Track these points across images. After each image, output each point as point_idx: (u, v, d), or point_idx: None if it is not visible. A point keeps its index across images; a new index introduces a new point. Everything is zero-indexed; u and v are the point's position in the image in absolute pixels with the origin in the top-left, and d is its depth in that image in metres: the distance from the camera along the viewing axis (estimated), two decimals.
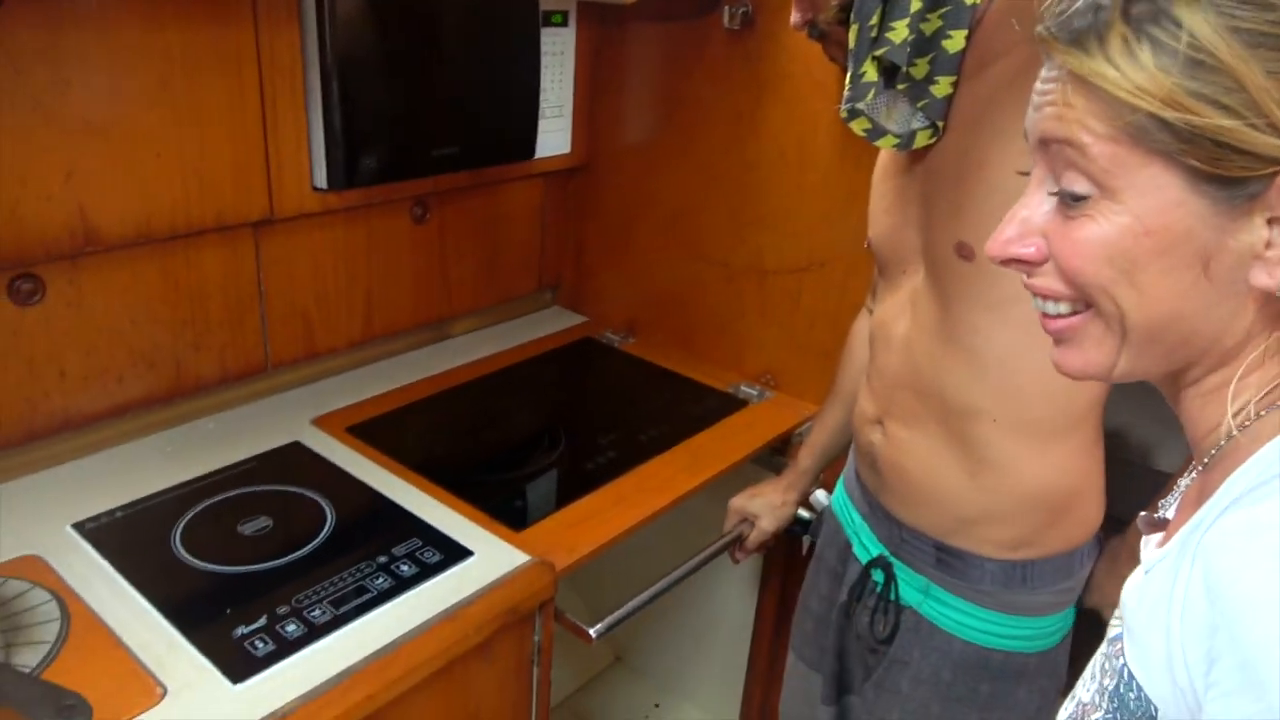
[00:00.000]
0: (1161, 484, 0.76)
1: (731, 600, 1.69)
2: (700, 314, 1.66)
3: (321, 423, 1.38)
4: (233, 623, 0.96)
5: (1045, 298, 0.57)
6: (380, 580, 1.03)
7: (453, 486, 1.23)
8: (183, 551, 1.07)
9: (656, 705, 1.91)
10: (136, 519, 1.13)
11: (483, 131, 1.47)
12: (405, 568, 1.06)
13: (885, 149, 1.06)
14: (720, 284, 1.61)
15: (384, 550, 1.08)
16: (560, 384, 1.67)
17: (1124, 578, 0.63)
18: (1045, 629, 1.02)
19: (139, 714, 0.84)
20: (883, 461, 1.07)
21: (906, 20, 0.89)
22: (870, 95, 0.93)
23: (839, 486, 1.24)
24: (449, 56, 1.37)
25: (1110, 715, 0.57)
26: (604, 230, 1.78)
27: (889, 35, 0.90)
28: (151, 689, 0.87)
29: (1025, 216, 0.56)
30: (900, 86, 0.94)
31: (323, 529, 1.13)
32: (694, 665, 1.85)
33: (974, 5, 0.90)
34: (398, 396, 1.48)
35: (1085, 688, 0.63)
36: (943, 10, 0.90)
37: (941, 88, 0.93)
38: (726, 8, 1.45)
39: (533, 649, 1.11)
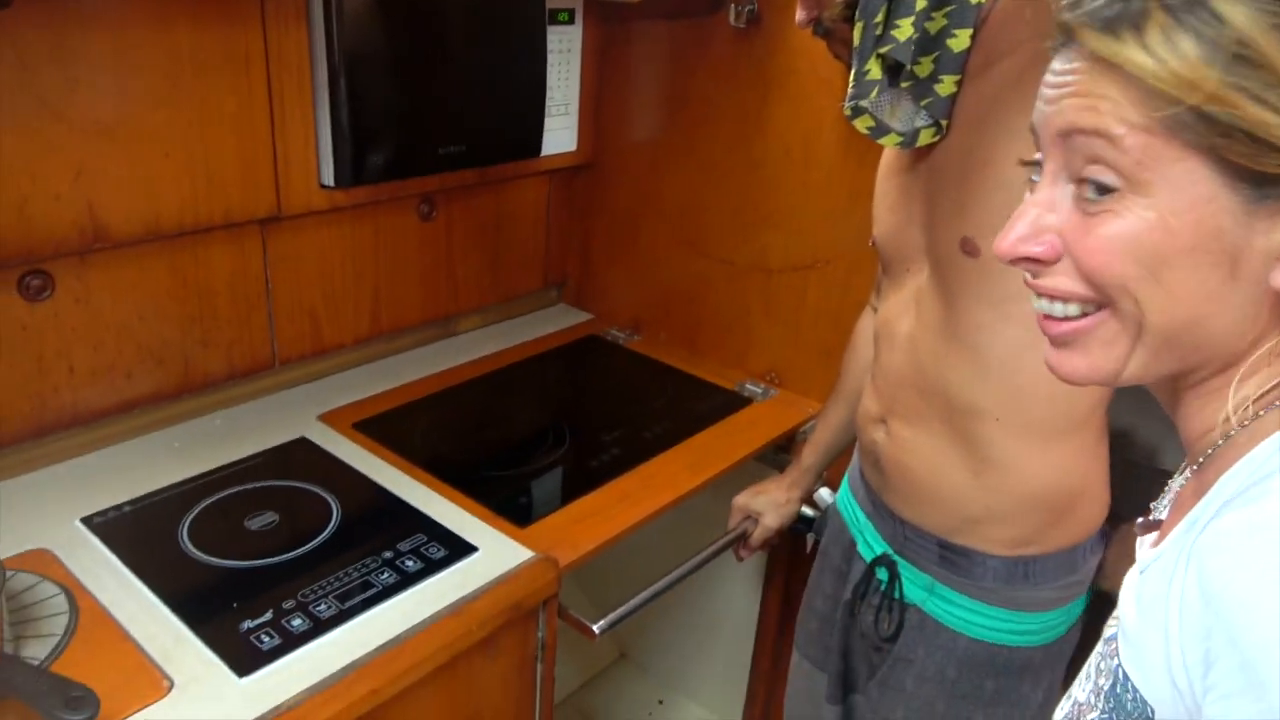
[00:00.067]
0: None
1: (736, 598, 1.69)
2: (705, 312, 1.66)
3: (328, 419, 1.38)
4: (239, 617, 0.97)
5: (1053, 298, 0.55)
6: (385, 575, 1.04)
7: (458, 483, 1.24)
8: (190, 546, 1.08)
9: (660, 702, 1.91)
10: (144, 514, 1.13)
11: (489, 129, 1.47)
12: (410, 563, 1.06)
13: (889, 147, 1.06)
14: (725, 282, 1.61)
15: (389, 546, 1.09)
16: (565, 381, 1.67)
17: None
18: (1050, 623, 1.02)
19: (146, 706, 0.85)
20: (886, 460, 1.07)
21: (911, 18, 0.89)
22: (874, 93, 0.93)
23: (844, 485, 1.24)
24: (455, 55, 1.37)
25: (1106, 715, 0.57)
26: (610, 228, 1.78)
27: (894, 33, 0.90)
28: (158, 682, 0.88)
29: (1037, 213, 0.54)
30: (904, 85, 0.94)
31: (328, 524, 1.14)
32: (698, 663, 1.85)
33: (979, 4, 0.89)
34: (404, 393, 1.49)
35: (1081, 687, 0.63)
36: (948, 9, 0.89)
37: (946, 86, 0.92)
38: (732, 6, 1.45)
39: (536, 645, 1.12)
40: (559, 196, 1.78)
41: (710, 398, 1.55)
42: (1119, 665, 0.57)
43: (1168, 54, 0.47)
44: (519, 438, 1.45)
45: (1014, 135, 0.86)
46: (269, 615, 0.97)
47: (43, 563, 1.02)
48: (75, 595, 0.98)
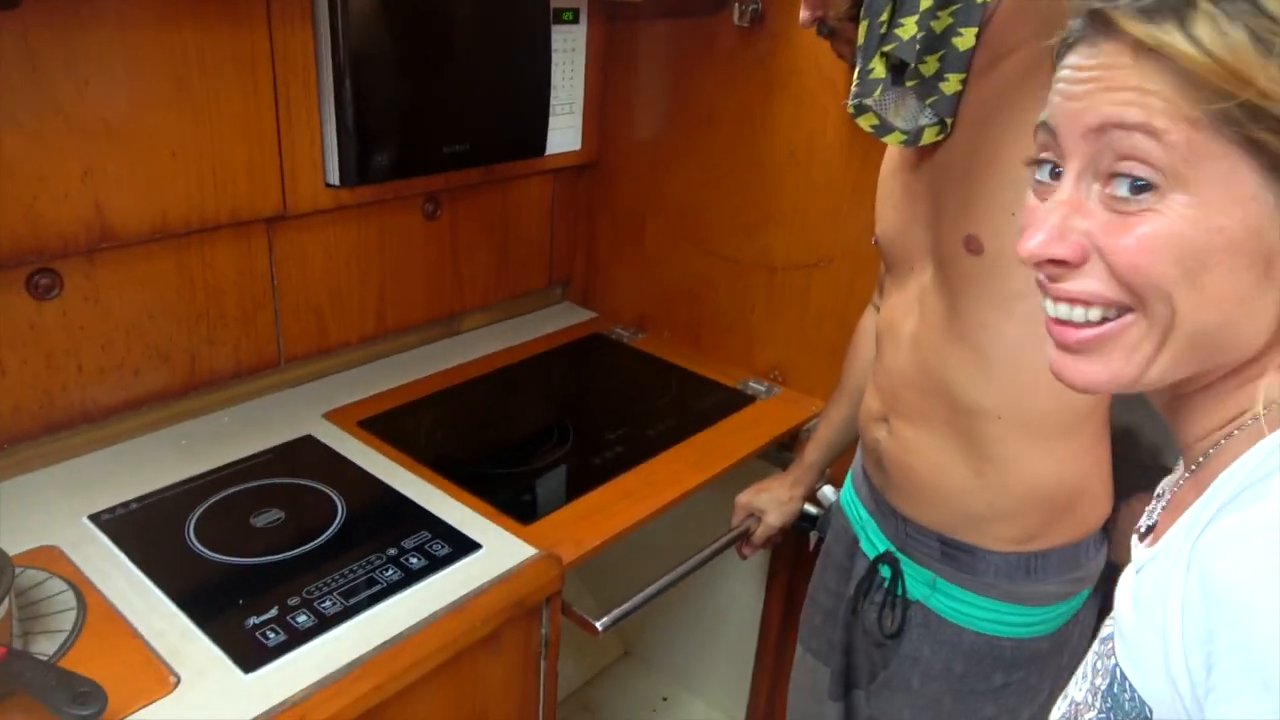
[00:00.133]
0: None
1: (739, 595, 1.70)
2: (709, 310, 1.66)
3: (333, 417, 1.39)
4: (245, 613, 0.97)
5: (1075, 303, 0.53)
6: (390, 572, 1.04)
7: (462, 480, 1.24)
8: (196, 543, 1.09)
9: (665, 699, 1.91)
10: (151, 511, 1.14)
11: (494, 129, 1.48)
12: (414, 560, 1.07)
13: (892, 146, 1.06)
14: (729, 280, 1.61)
15: (393, 543, 1.09)
16: (569, 379, 1.68)
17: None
18: (1055, 612, 1.02)
19: (153, 702, 0.85)
20: (888, 459, 1.07)
21: (916, 17, 0.88)
22: (878, 92, 0.93)
23: (847, 482, 1.24)
24: (460, 54, 1.38)
25: (1104, 715, 0.57)
26: (614, 227, 1.79)
27: (898, 32, 0.89)
28: (165, 677, 0.88)
29: (1064, 213, 0.52)
30: (909, 83, 0.94)
31: (333, 522, 1.14)
32: (702, 659, 1.85)
33: (984, 3, 0.89)
34: (409, 391, 1.49)
35: (1078, 687, 0.63)
36: (953, 8, 0.89)
37: (951, 85, 0.92)
38: (736, 5, 1.45)
39: (540, 641, 1.12)
40: (563, 195, 1.79)
41: (714, 396, 1.55)
42: (1116, 665, 0.57)
43: (1218, 45, 0.45)
44: (523, 436, 1.45)
45: (1019, 133, 0.86)
46: (274, 612, 0.98)
47: (51, 559, 1.03)
48: (83, 592, 0.98)
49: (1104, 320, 0.52)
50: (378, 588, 1.02)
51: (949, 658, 1.04)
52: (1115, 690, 0.56)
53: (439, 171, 1.46)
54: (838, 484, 1.31)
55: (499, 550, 1.10)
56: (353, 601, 1.00)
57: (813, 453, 1.32)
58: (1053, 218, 0.52)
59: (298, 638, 0.94)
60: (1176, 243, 0.48)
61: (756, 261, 1.56)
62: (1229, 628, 0.45)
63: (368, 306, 1.51)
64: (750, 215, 1.55)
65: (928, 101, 0.94)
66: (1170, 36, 0.46)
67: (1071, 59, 0.53)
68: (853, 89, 0.94)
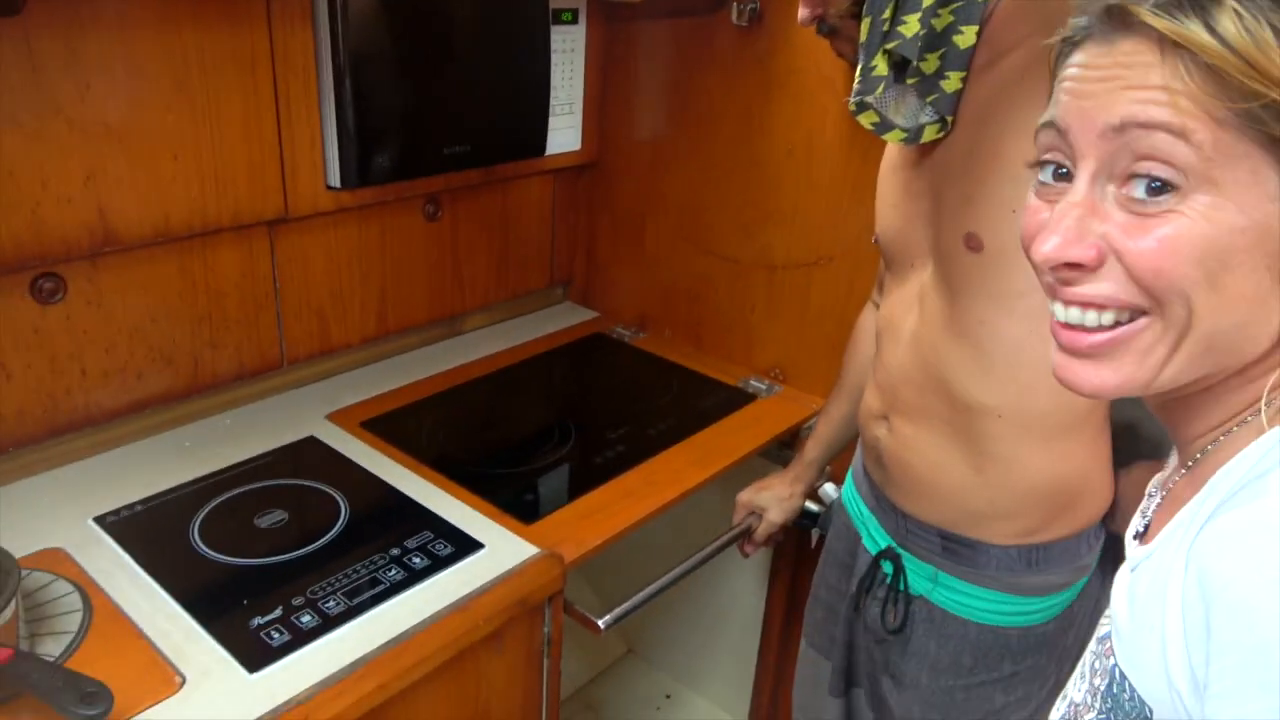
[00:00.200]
0: None
1: (742, 594, 1.70)
2: (709, 309, 1.67)
3: (336, 418, 1.39)
4: (249, 613, 0.98)
5: (1088, 307, 0.52)
6: (393, 572, 1.05)
7: (464, 480, 1.25)
8: (201, 544, 1.10)
9: (668, 696, 1.92)
10: (156, 513, 1.15)
11: (494, 129, 1.48)
12: (417, 560, 1.07)
13: (892, 144, 1.07)
14: (729, 279, 1.62)
15: (396, 543, 1.10)
16: (571, 379, 1.68)
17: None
18: (1058, 599, 1.02)
19: (159, 702, 0.86)
20: (888, 457, 1.07)
21: (918, 15, 0.88)
22: (880, 89, 0.93)
23: (848, 480, 1.24)
24: (460, 55, 1.38)
25: (1104, 715, 0.57)
26: (615, 227, 1.79)
27: (901, 29, 0.89)
28: (171, 677, 0.89)
29: (1080, 214, 0.50)
30: (910, 81, 0.94)
31: (337, 522, 1.15)
32: (705, 657, 1.86)
33: (984, 1, 0.89)
34: (411, 392, 1.50)
35: (1076, 687, 0.62)
36: (954, 6, 0.89)
37: (951, 83, 0.92)
38: (735, 5, 1.45)
39: (543, 640, 1.13)
40: (564, 195, 1.79)
41: (715, 394, 1.55)
42: (1115, 665, 0.56)
43: (1246, 43, 0.45)
44: (525, 435, 1.45)
45: (1020, 131, 0.86)
46: (279, 612, 0.98)
47: (56, 561, 1.04)
48: (89, 593, 0.99)
49: (1116, 324, 0.51)
50: (381, 587, 1.02)
51: (957, 651, 1.04)
52: (1115, 690, 0.56)
53: (439, 172, 1.47)
54: (839, 481, 1.31)
55: (501, 549, 1.11)
56: (356, 601, 1.00)
57: (813, 450, 1.33)
58: (1068, 220, 0.51)
59: (302, 637, 0.95)
60: (1199, 244, 0.47)
61: (756, 260, 1.56)
62: (1228, 626, 0.45)
63: (369, 308, 1.52)
64: (750, 214, 1.55)
65: (928, 99, 0.94)
66: (1196, 32, 0.45)
67: (1079, 57, 0.52)
68: (855, 86, 0.94)
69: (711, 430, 1.43)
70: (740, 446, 1.39)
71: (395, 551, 1.08)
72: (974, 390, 0.97)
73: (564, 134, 1.64)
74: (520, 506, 1.21)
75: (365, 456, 1.30)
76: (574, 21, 1.57)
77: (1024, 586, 1.01)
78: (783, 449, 1.49)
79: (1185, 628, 0.48)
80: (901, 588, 1.08)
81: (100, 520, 1.12)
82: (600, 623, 1.14)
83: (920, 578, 1.07)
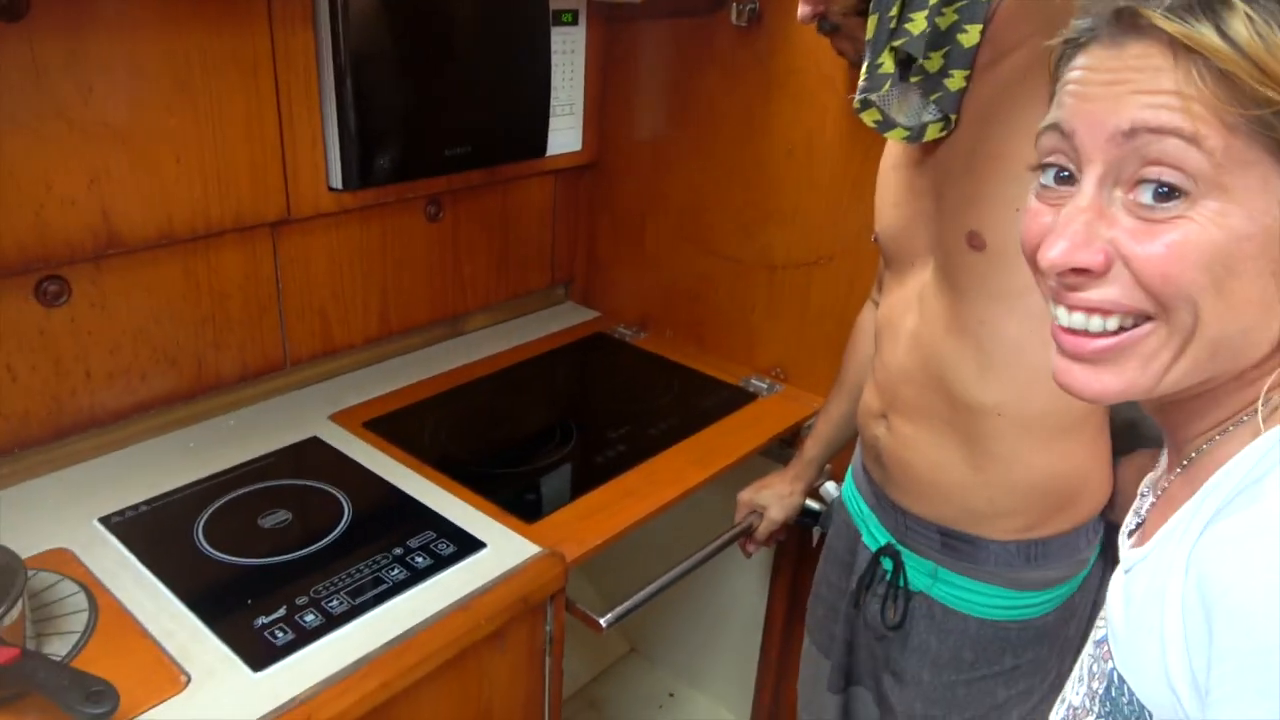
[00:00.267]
0: None
1: (744, 592, 1.71)
2: (711, 309, 1.67)
3: (339, 418, 1.40)
4: (253, 613, 0.98)
5: (1093, 312, 0.51)
6: (396, 571, 1.06)
7: (466, 480, 1.25)
8: (205, 544, 1.10)
9: (671, 695, 1.92)
10: (160, 513, 1.15)
11: (495, 130, 1.49)
12: (420, 559, 1.08)
13: (893, 142, 1.07)
14: (730, 279, 1.62)
15: (399, 542, 1.10)
16: (572, 379, 1.69)
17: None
18: (1058, 593, 1.03)
19: (164, 701, 0.87)
20: (887, 456, 1.08)
21: (925, 12, 0.88)
22: (886, 86, 0.92)
23: (848, 478, 1.24)
24: (461, 56, 1.38)
25: (1103, 719, 0.57)
26: (616, 226, 1.79)
27: (908, 27, 0.89)
28: (176, 676, 0.90)
29: (1087, 219, 0.50)
30: (913, 79, 0.94)
31: (340, 522, 1.15)
32: (707, 656, 1.86)
33: (988, 1, 0.89)
34: (413, 392, 1.50)
35: (1074, 690, 0.62)
36: (958, 4, 0.89)
37: (956, 81, 0.92)
38: (734, 5, 1.45)
39: (545, 638, 1.13)
40: (565, 196, 1.80)
41: (716, 393, 1.56)
42: (1113, 669, 0.56)
43: (1258, 48, 0.44)
44: (527, 435, 1.46)
45: (1023, 130, 0.86)
46: (283, 611, 0.99)
47: (62, 562, 1.04)
48: (94, 593, 1.00)
49: (1120, 329, 0.51)
50: (384, 587, 1.03)
51: (957, 646, 1.05)
52: (1113, 694, 0.56)
53: (441, 173, 1.47)
54: (839, 479, 1.31)
55: (503, 549, 1.11)
56: (359, 600, 1.01)
57: (812, 448, 1.33)
58: (1075, 225, 0.50)
59: (305, 636, 0.95)
60: (1207, 251, 0.47)
61: (757, 260, 1.57)
62: (1228, 631, 0.45)
63: (371, 308, 1.53)
64: (750, 214, 1.56)
65: (932, 98, 0.94)
66: (1207, 35, 0.45)
67: (1084, 59, 0.51)
68: (860, 83, 0.94)
69: (712, 429, 1.44)
70: (741, 446, 1.40)
71: (398, 551, 1.09)
72: (974, 389, 0.98)
73: (564, 134, 1.64)
74: (522, 506, 1.21)
75: (368, 456, 1.30)
76: (574, 22, 1.58)
77: (1023, 581, 1.01)
78: (784, 448, 1.49)
79: (1186, 632, 0.48)
80: (901, 584, 1.08)
81: (105, 521, 1.12)
82: (602, 621, 1.15)
83: (920, 574, 1.07)
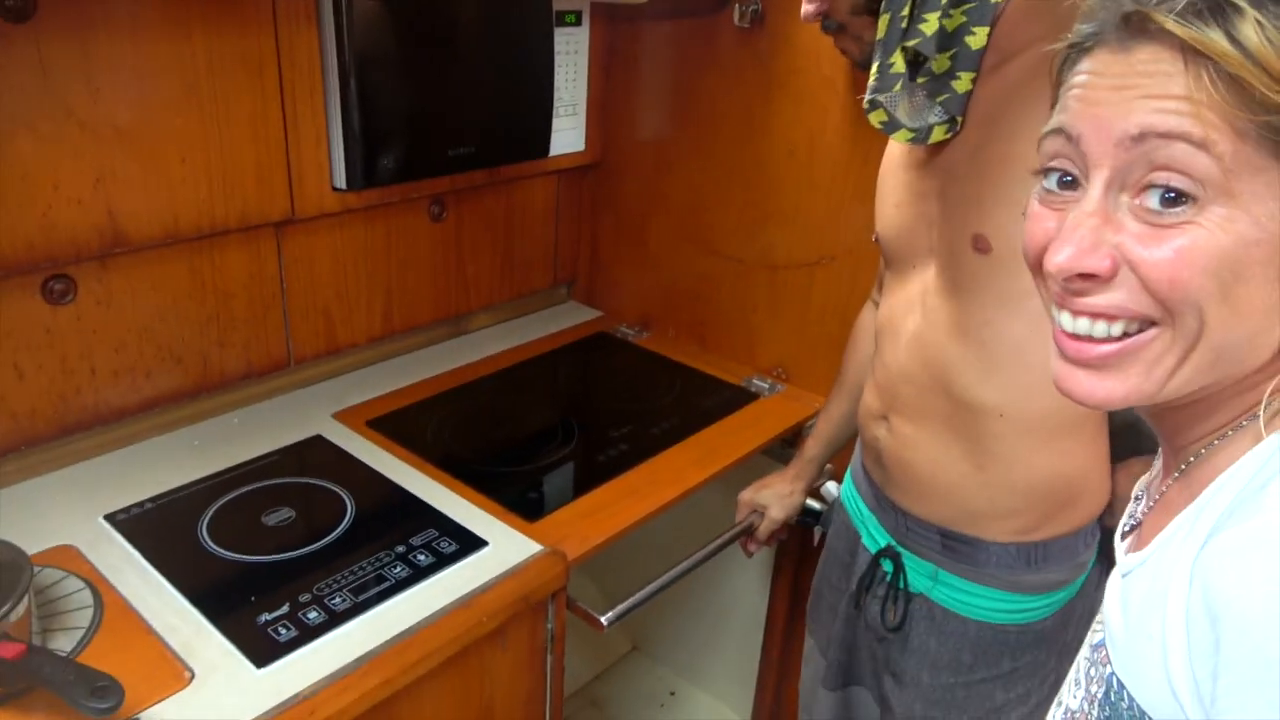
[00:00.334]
0: None
1: (745, 591, 1.71)
2: (713, 308, 1.68)
3: (342, 417, 1.41)
4: (257, 610, 0.99)
5: (1097, 318, 0.51)
6: (398, 569, 1.06)
7: (469, 478, 1.26)
8: (209, 542, 1.11)
9: (672, 693, 1.93)
10: (165, 510, 1.16)
11: (498, 130, 1.49)
12: (422, 557, 1.08)
13: (895, 143, 1.07)
14: (732, 279, 1.63)
15: (402, 540, 1.11)
16: (574, 378, 1.69)
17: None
18: (1057, 597, 1.03)
19: (168, 696, 0.87)
20: (888, 456, 1.08)
21: (937, 13, 0.88)
22: (898, 86, 0.92)
23: (847, 478, 1.25)
24: (464, 57, 1.39)
25: None
26: (618, 226, 1.80)
27: (921, 27, 0.89)
28: (180, 672, 0.90)
29: (1095, 224, 0.50)
30: (920, 80, 0.93)
31: (343, 520, 1.16)
32: (709, 654, 1.87)
33: (997, 3, 0.89)
34: (416, 391, 1.51)
35: (1072, 694, 0.62)
36: (967, 6, 0.89)
37: (963, 83, 0.92)
38: (737, 6, 1.46)
39: (546, 636, 1.14)
40: (567, 196, 1.80)
41: (718, 393, 1.56)
42: (1112, 673, 0.56)
43: (1268, 53, 0.44)
44: (529, 434, 1.46)
45: (1027, 133, 0.86)
46: (286, 608, 0.99)
47: (68, 558, 1.05)
48: (99, 589, 1.00)
49: (1125, 335, 0.51)
50: (386, 584, 1.04)
51: (957, 648, 1.05)
52: (1112, 699, 0.55)
53: (444, 174, 1.48)
54: (840, 478, 1.32)
55: (505, 547, 1.12)
56: (362, 598, 1.01)
57: (813, 448, 1.33)
58: (1082, 230, 0.50)
59: (309, 633, 0.96)
60: (1215, 256, 0.47)
61: (759, 260, 1.57)
62: (1235, 642, 0.45)
63: (375, 308, 1.53)
64: (752, 214, 1.56)
65: (938, 99, 0.93)
66: (1217, 40, 0.45)
67: (1089, 64, 0.51)
68: (870, 83, 0.94)
69: (714, 429, 1.44)
70: (743, 445, 1.40)
71: (400, 549, 1.10)
72: (977, 390, 0.98)
73: (567, 135, 1.65)
74: (524, 504, 1.22)
75: (371, 455, 1.31)
76: (577, 23, 1.58)
77: (1023, 584, 1.02)
78: (786, 448, 1.49)
79: (1189, 642, 0.48)
80: (901, 586, 1.09)
81: (110, 518, 1.13)
82: (603, 619, 1.15)
83: (920, 576, 1.07)
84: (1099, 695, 0.57)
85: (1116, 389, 0.52)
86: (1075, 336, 0.52)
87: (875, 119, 0.96)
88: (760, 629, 1.70)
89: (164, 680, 0.89)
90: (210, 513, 1.16)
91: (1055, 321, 0.54)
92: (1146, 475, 0.65)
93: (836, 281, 1.48)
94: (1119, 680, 0.55)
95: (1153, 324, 0.50)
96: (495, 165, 1.58)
